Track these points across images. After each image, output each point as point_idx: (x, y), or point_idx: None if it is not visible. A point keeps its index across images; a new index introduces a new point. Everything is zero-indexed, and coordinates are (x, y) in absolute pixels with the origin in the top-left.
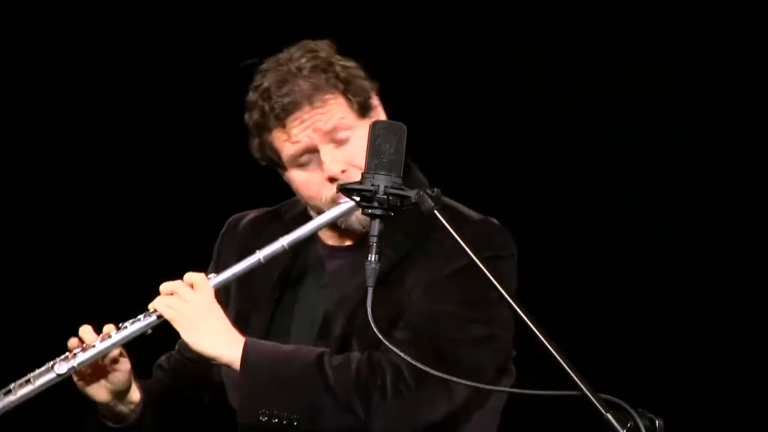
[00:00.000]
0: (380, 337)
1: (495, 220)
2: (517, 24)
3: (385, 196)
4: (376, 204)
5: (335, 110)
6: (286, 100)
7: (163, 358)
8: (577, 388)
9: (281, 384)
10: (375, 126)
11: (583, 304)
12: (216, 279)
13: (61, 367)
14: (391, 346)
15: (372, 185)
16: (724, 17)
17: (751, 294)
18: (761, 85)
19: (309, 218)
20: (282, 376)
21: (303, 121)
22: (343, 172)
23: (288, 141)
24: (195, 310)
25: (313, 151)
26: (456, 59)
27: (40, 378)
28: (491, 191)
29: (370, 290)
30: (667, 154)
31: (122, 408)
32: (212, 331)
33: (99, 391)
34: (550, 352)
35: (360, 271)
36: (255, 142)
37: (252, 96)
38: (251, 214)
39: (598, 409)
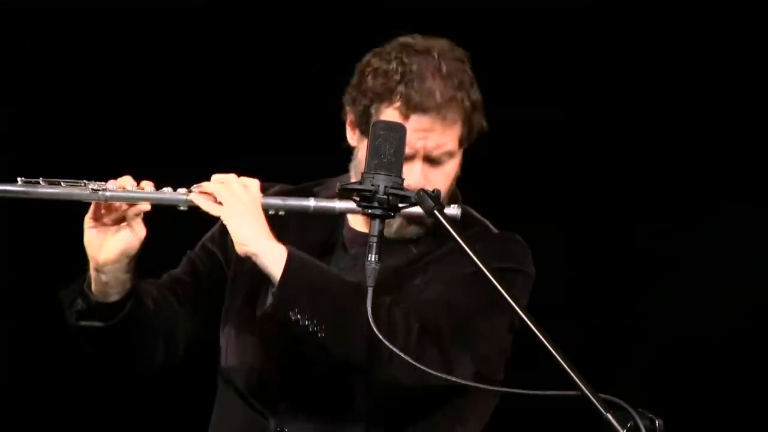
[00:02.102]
0: (380, 337)
1: (520, 237)
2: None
3: (385, 196)
4: (376, 204)
5: (452, 137)
6: (423, 98)
7: (150, 279)
8: (577, 388)
9: (319, 292)
10: (375, 126)
11: (584, 304)
12: (265, 199)
13: (94, 188)
14: (391, 347)
15: (372, 185)
16: None
17: (750, 292)
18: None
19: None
20: (321, 286)
21: (423, 129)
22: (427, 184)
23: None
24: (244, 205)
25: (408, 157)
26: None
27: (70, 188)
28: (490, 192)
29: (369, 290)
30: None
31: (111, 278)
32: (257, 228)
33: (105, 246)
34: (550, 352)
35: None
36: (358, 103)
37: (385, 64)
38: (277, 186)
39: (598, 409)
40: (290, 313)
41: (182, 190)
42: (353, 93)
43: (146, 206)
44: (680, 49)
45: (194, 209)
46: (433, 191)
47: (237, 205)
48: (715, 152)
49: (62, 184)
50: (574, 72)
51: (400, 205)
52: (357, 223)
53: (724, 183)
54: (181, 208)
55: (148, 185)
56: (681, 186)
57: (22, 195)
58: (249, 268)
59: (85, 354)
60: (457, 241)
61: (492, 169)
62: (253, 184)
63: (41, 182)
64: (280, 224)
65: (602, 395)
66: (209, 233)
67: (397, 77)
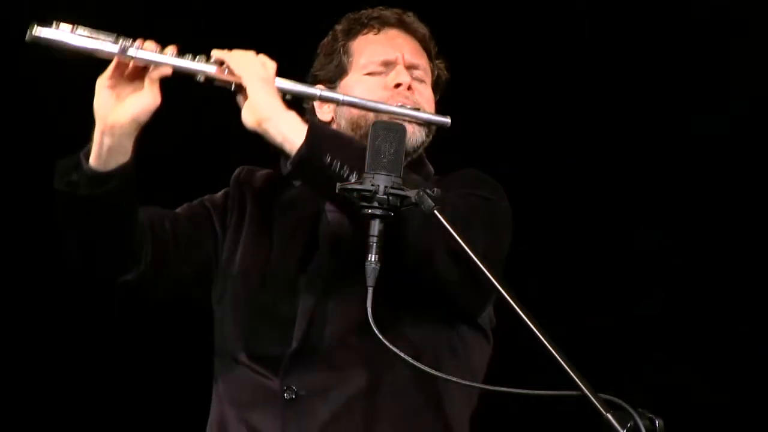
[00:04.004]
0: (380, 336)
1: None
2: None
3: (385, 196)
4: (376, 204)
5: (423, 58)
6: (388, 14)
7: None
8: (577, 388)
9: (346, 141)
10: (375, 126)
11: (584, 304)
12: (278, 81)
13: (122, 45)
14: (389, 345)
15: (372, 185)
16: None
17: (751, 292)
18: None
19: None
20: (346, 137)
21: (395, 37)
22: (409, 88)
23: (374, 42)
24: (263, 75)
25: (389, 63)
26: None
27: (101, 42)
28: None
29: (370, 290)
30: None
31: (116, 144)
32: (275, 98)
33: (119, 108)
34: (550, 352)
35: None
36: (324, 55)
37: (349, 15)
38: (264, 171)
39: (598, 409)
40: (325, 158)
41: (201, 58)
42: (321, 60)
43: (168, 70)
44: (683, 49)
45: (211, 81)
46: (434, 191)
47: (256, 76)
48: (717, 153)
49: (91, 35)
50: (578, 72)
51: (400, 204)
52: None
53: (727, 183)
54: (199, 78)
55: (171, 50)
56: (683, 186)
57: (57, 44)
58: (251, 235)
59: (61, 225)
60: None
61: (494, 168)
62: (271, 64)
63: (73, 30)
64: (267, 202)
65: (602, 395)
66: (210, 195)
67: (357, 15)
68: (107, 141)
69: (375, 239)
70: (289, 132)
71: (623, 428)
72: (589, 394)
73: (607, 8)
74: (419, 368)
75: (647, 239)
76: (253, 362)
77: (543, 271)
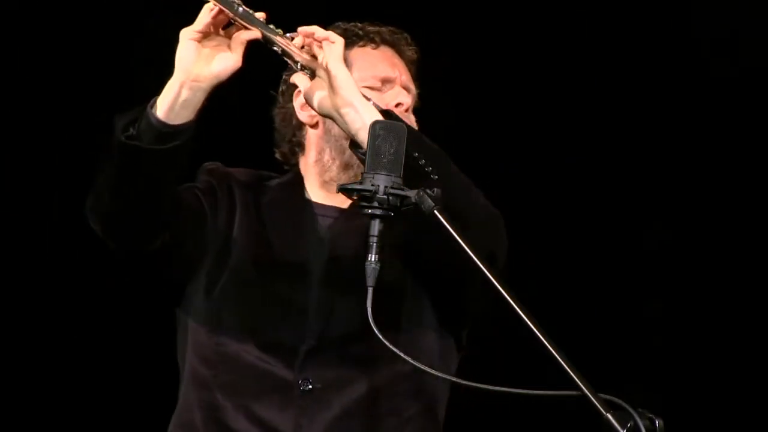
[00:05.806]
0: (379, 336)
1: None
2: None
3: (385, 196)
4: (376, 204)
5: (413, 86)
6: (386, 31)
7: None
8: (577, 388)
9: (427, 141)
10: (375, 126)
11: (584, 303)
12: None
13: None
14: (389, 345)
15: (372, 185)
16: None
17: (750, 292)
18: None
19: (299, 190)
20: (425, 138)
21: (392, 56)
22: (407, 110)
23: (374, 57)
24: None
25: (388, 81)
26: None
27: None
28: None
29: (370, 290)
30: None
31: (191, 97)
32: (354, 83)
33: (205, 62)
34: (550, 352)
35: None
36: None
37: (339, 24)
38: (238, 169)
39: (598, 409)
40: (410, 152)
41: (279, 31)
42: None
43: (257, 34)
44: (683, 48)
45: (285, 54)
46: (434, 191)
47: (341, 58)
48: (718, 153)
49: None
50: (578, 71)
51: (400, 204)
52: (318, 197)
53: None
54: (275, 49)
55: (261, 16)
56: (683, 187)
57: None
58: (245, 228)
59: (111, 183)
60: None
61: (494, 167)
62: None
63: None
64: (254, 199)
65: (602, 395)
66: (193, 183)
67: (355, 27)
68: (185, 93)
69: (375, 239)
70: (369, 121)
71: (623, 428)
72: (589, 394)
73: (608, 5)
74: (420, 368)
75: (647, 239)
76: (261, 352)
77: (543, 271)
